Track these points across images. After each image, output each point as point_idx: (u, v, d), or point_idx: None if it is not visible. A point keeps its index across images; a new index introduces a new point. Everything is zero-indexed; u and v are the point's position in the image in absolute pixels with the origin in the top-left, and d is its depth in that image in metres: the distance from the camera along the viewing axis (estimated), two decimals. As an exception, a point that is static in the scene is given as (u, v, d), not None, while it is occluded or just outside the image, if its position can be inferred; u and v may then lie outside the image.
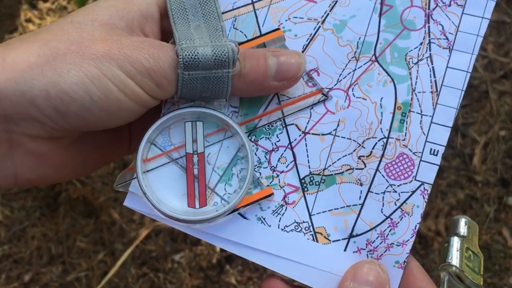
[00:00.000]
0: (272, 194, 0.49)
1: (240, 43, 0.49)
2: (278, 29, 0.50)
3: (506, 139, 1.44)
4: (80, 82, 0.41)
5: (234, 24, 0.50)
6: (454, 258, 0.49)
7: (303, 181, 0.49)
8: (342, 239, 0.49)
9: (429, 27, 0.49)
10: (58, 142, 0.46)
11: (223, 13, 0.50)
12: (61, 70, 0.41)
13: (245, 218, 0.49)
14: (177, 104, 0.48)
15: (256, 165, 0.49)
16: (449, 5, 0.49)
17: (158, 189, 0.48)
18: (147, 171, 0.48)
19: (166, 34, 0.48)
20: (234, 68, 0.45)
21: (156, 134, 0.48)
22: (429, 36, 0.49)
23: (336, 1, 0.50)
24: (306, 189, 0.49)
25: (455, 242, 0.50)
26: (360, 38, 0.50)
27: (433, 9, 0.49)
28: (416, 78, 0.49)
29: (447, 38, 0.49)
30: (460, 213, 1.39)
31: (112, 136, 0.52)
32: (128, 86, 0.43)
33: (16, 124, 0.43)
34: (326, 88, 0.50)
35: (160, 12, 0.48)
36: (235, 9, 0.50)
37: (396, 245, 0.48)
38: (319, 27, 0.50)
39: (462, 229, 0.51)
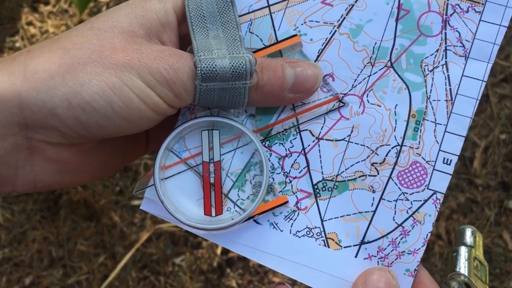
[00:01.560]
0: (287, 201, 0.49)
1: (257, 50, 0.49)
2: (295, 35, 0.49)
3: (506, 142, 1.44)
4: (101, 92, 0.41)
5: (250, 28, 0.50)
6: (463, 267, 0.49)
7: (315, 187, 0.49)
8: (354, 246, 0.49)
9: (445, 33, 0.49)
10: (78, 148, 0.46)
11: (239, 16, 0.49)
12: (82, 80, 0.41)
13: (258, 223, 0.49)
14: (192, 111, 0.48)
15: (270, 170, 0.49)
16: (467, 11, 0.49)
17: (175, 197, 0.48)
18: (165, 178, 0.48)
19: (183, 40, 0.48)
20: (251, 79, 0.45)
21: (173, 142, 0.48)
22: (446, 43, 0.49)
23: (353, 5, 0.50)
24: (318, 195, 0.49)
25: (463, 251, 0.50)
26: (376, 43, 0.49)
27: (451, 15, 0.49)
28: (431, 86, 0.49)
29: (463, 46, 0.49)
30: (461, 217, 1.39)
31: (130, 140, 0.52)
32: (149, 95, 0.43)
33: (36, 131, 0.43)
34: (341, 94, 0.49)
35: (178, 19, 0.47)
36: (251, 12, 0.50)
37: (407, 253, 0.48)
38: (335, 31, 0.50)
39: (469, 238, 0.50)
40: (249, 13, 0.50)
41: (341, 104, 0.49)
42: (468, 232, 0.51)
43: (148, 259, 1.39)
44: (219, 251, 1.38)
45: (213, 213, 0.48)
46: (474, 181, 1.41)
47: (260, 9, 0.50)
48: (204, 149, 0.48)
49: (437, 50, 0.49)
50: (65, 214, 1.41)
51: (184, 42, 0.48)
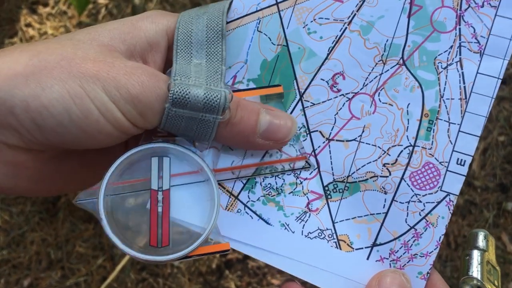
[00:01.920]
0: (228, 250, 0.46)
1: (237, 90, 0.48)
2: (279, 85, 0.48)
3: (505, 144, 1.44)
4: (60, 98, 0.40)
5: (258, 27, 0.49)
6: (476, 271, 0.48)
7: (326, 188, 0.48)
8: (365, 248, 0.48)
9: (460, 29, 0.48)
10: (37, 155, 0.45)
11: (247, 15, 0.49)
12: (45, 84, 0.40)
13: (268, 224, 0.48)
14: (155, 134, 0.47)
15: (280, 172, 0.48)
16: (482, 6, 0.48)
17: (123, 216, 0.46)
18: (112, 194, 0.46)
19: (169, 65, 0.47)
20: (223, 115, 0.44)
21: (128, 161, 0.46)
22: (460, 39, 0.48)
23: (364, 1, 0.48)
24: (329, 196, 0.48)
25: (476, 255, 0.49)
26: (387, 40, 0.48)
27: (465, 10, 0.48)
28: (445, 84, 0.48)
29: (478, 42, 0.48)
30: (459, 219, 1.39)
31: (102, 156, 0.50)
32: (110, 110, 0.41)
33: None
34: (352, 92, 0.48)
35: (168, 42, 0.47)
36: (259, 10, 0.49)
37: (420, 256, 0.47)
38: (345, 28, 0.48)
39: (482, 242, 0.50)
40: (257, 11, 0.49)
41: (307, 166, 0.48)
42: (481, 236, 0.50)
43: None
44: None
45: (159, 244, 0.45)
46: (472, 183, 1.41)
47: (268, 7, 0.49)
48: (153, 176, 0.46)
49: (451, 47, 0.48)
50: (64, 216, 1.41)
51: (169, 67, 0.46)
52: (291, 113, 0.48)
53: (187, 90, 0.42)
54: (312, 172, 0.48)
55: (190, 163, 0.47)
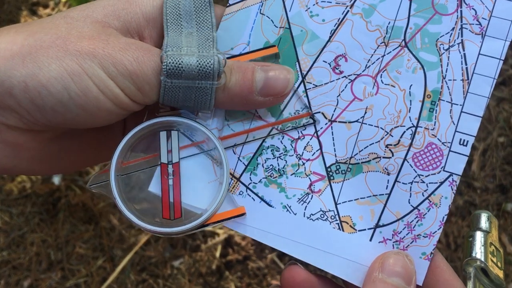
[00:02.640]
0: (244, 213, 0.47)
1: (231, 57, 0.48)
2: (274, 46, 0.48)
3: (504, 145, 1.44)
4: (59, 77, 0.41)
5: (260, 9, 0.49)
6: (479, 252, 0.48)
7: (329, 169, 0.48)
8: (368, 229, 0.48)
9: (461, 11, 0.48)
10: (37, 135, 0.45)
11: None
12: (42, 63, 0.41)
13: (270, 206, 0.48)
14: (159, 111, 0.47)
15: (282, 153, 0.48)
16: None
17: (135, 194, 0.47)
18: (125, 173, 0.47)
19: None
20: (219, 80, 0.44)
21: (134, 140, 0.47)
22: (461, 21, 0.48)
23: None
24: (332, 177, 0.48)
25: (479, 236, 0.49)
26: (389, 22, 0.48)
27: None
28: (447, 65, 0.48)
29: (479, 24, 0.48)
30: (459, 220, 1.39)
31: (103, 136, 0.51)
32: (108, 86, 0.42)
33: None
34: (354, 74, 0.48)
35: None
36: (262, -8, 0.49)
37: (423, 236, 0.47)
38: (348, 11, 0.49)
39: (484, 224, 0.50)
40: None
41: (311, 121, 0.48)
42: (484, 217, 0.50)
43: (147, 262, 1.38)
44: (218, 254, 1.38)
45: (172, 216, 0.46)
46: (472, 184, 1.41)
47: (271, -11, 0.49)
48: (162, 150, 0.46)
49: (453, 29, 0.48)
50: (64, 217, 1.41)
51: None
52: (291, 97, 0.48)
53: (180, 60, 0.42)
54: (314, 153, 0.48)
55: (195, 134, 0.47)
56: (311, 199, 0.48)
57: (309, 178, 0.48)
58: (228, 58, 0.47)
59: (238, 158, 0.48)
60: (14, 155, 0.45)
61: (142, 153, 0.47)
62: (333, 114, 0.48)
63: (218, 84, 0.44)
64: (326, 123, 0.48)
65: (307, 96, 0.48)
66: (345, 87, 0.48)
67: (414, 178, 0.47)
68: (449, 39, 0.48)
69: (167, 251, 1.38)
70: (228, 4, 0.49)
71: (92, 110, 0.42)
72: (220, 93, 0.45)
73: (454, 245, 1.38)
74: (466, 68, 0.48)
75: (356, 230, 0.48)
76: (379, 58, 0.48)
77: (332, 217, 0.48)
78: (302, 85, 0.49)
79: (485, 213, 0.50)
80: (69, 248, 1.40)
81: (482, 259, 0.48)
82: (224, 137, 0.48)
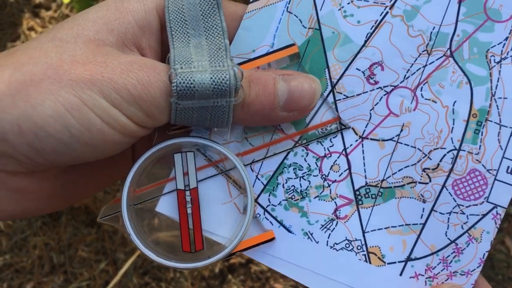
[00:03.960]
0: (273, 238, 0.43)
1: (246, 61, 0.43)
2: (293, 44, 0.43)
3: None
4: (56, 115, 0.36)
5: (288, 7, 0.44)
6: None
7: (357, 193, 0.43)
8: (399, 262, 0.43)
9: None
10: (40, 176, 0.41)
11: None
12: (35, 101, 0.36)
13: (290, 232, 0.43)
14: (169, 129, 0.43)
15: (306, 172, 0.44)
16: None
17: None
18: (137, 203, 0.43)
19: (166, 47, 0.42)
20: (237, 97, 0.39)
21: (146, 164, 0.42)
22: None
23: None
24: (360, 202, 0.43)
25: None
26: (434, 28, 0.43)
27: None
28: (498, 81, 0.43)
29: None
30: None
31: (109, 160, 0.46)
32: (113, 116, 0.37)
33: None
34: (391, 86, 0.43)
35: (161, 21, 0.41)
36: (290, -12, 0.44)
37: (460, 274, 0.43)
38: (387, 12, 0.43)
39: None
40: None
41: (342, 127, 0.44)
42: None
43: (150, 265, 1.38)
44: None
45: (193, 249, 0.42)
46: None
47: (301, -16, 0.44)
48: (178, 174, 0.42)
49: (507, 38, 0.43)
50: (66, 220, 1.40)
51: (167, 49, 0.42)
52: (320, 107, 0.43)
53: (191, 78, 0.38)
54: (342, 173, 0.43)
55: (211, 154, 0.43)
56: (335, 226, 0.43)
57: (335, 202, 0.43)
58: (241, 63, 0.42)
59: (256, 176, 0.43)
60: (20, 200, 0.41)
61: (156, 178, 0.43)
62: (364, 130, 0.43)
63: (236, 101, 0.39)
64: (357, 140, 0.43)
65: (336, 108, 0.43)
66: (379, 100, 0.43)
67: (453, 208, 0.43)
68: (502, 50, 0.43)
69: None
70: (251, 0, 0.43)
71: (97, 144, 0.38)
72: (239, 110, 0.40)
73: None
74: None
75: (385, 262, 0.43)
76: (420, 68, 0.43)
77: (359, 247, 0.43)
78: (331, 95, 0.43)
79: None
80: (72, 251, 1.39)
81: None
82: (242, 153, 0.44)
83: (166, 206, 0.43)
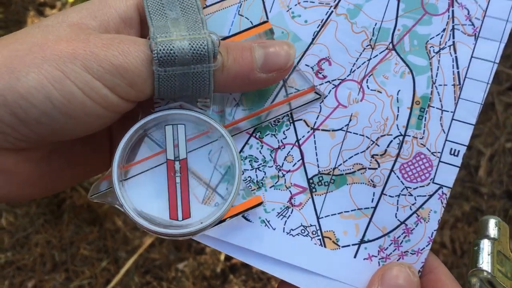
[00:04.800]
0: (261, 202, 0.44)
1: (224, 38, 0.45)
2: (266, 21, 0.46)
3: (512, 151, 1.42)
4: (39, 86, 0.38)
5: (239, 11, 0.46)
6: (485, 262, 0.44)
7: (311, 181, 0.45)
8: (352, 245, 0.45)
9: (453, 11, 0.45)
10: (26, 156, 0.43)
11: None
12: (19, 73, 0.38)
13: (248, 220, 0.45)
14: (154, 106, 0.44)
15: (261, 164, 0.45)
16: None
17: (140, 198, 0.44)
18: (128, 178, 0.44)
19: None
20: (216, 62, 0.41)
21: (132, 140, 0.44)
22: (453, 22, 0.45)
23: None
24: (314, 190, 0.45)
25: (486, 245, 0.45)
26: (376, 24, 0.45)
27: None
28: (437, 69, 0.45)
29: (472, 24, 0.44)
30: (465, 226, 1.37)
31: (89, 148, 0.48)
32: (95, 88, 0.39)
33: None
34: (338, 79, 0.45)
35: (141, 18, 0.44)
36: (240, -8, 0.46)
37: (411, 253, 0.44)
38: (332, 12, 0.46)
39: (492, 230, 0.46)
40: None
41: (317, 96, 0.45)
42: (492, 223, 0.46)
43: (151, 264, 1.38)
44: (222, 257, 1.38)
45: (180, 217, 0.43)
46: (479, 189, 1.40)
47: (251, -11, 0.46)
48: (169, 145, 0.44)
49: (444, 30, 0.45)
50: (68, 218, 1.41)
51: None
52: (273, 101, 0.45)
53: (171, 45, 0.39)
54: (295, 164, 0.45)
55: (198, 125, 0.45)
56: (291, 213, 0.45)
57: (290, 190, 0.45)
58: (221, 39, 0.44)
59: (215, 167, 0.45)
60: (4, 181, 0.42)
61: (143, 154, 0.45)
62: (315, 122, 0.45)
63: (215, 66, 0.41)
64: (309, 131, 0.45)
65: (290, 106, 0.45)
66: (328, 93, 0.46)
67: (401, 191, 0.45)
68: (440, 41, 0.45)
69: (171, 254, 1.38)
70: (205, 6, 0.46)
71: (80, 117, 0.39)
72: (219, 75, 0.42)
73: (460, 251, 1.36)
74: (458, 72, 0.44)
75: (339, 246, 0.45)
76: (365, 62, 0.45)
77: (314, 233, 0.45)
78: (283, 89, 0.46)
79: (494, 218, 0.46)
80: (74, 249, 1.39)
81: (489, 270, 0.44)
82: (227, 125, 0.46)
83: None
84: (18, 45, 0.39)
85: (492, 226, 0.46)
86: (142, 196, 0.44)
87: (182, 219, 0.43)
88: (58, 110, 0.38)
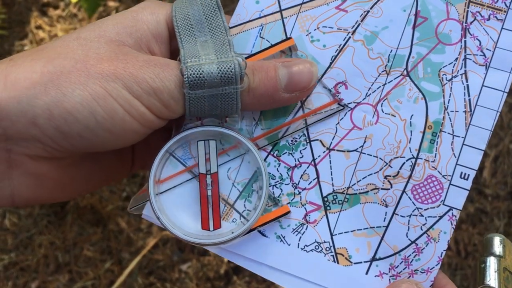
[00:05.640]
0: (289, 212, 0.47)
1: (249, 56, 0.47)
2: (290, 38, 0.48)
3: (516, 152, 1.43)
4: (84, 102, 0.40)
5: (260, 33, 0.48)
6: (493, 279, 0.46)
7: (325, 199, 0.47)
8: (364, 262, 0.47)
9: (465, 41, 0.47)
10: (59, 163, 0.45)
11: (249, 21, 0.48)
12: (65, 89, 0.40)
13: (264, 236, 0.47)
14: (186, 122, 0.47)
15: (278, 181, 0.47)
16: (488, 19, 0.47)
17: (174, 209, 0.46)
18: (160, 192, 0.46)
19: (175, 54, 0.47)
20: (242, 83, 0.43)
21: (166, 156, 0.46)
22: (465, 52, 0.47)
23: (368, 11, 0.47)
24: (328, 207, 0.47)
25: (492, 262, 0.47)
26: (391, 51, 0.47)
27: (471, 22, 0.47)
28: (449, 96, 0.47)
29: (484, 55, 0.46)
30: (470, 227, 1.38)
31: (114, 157, 0.50)
32: (134, 106, 0.41)
33: (16, 143, 0.41)
34: (354, 102, 0.47)
35: (169, 32, 0.46)
36: (262, 17, 0.48)
37: (421, 272, 0.46)
38: (349, 37, 0.48)
39: (498, 248, 0.48)
40: (260, 18, 0.48)
41: (340, 108, 0.47)
42: (497, 241, 0.48)
43: (155, 265, 1.38)
44: (226, 258, 1.36)
45: (211, 227, 0.46)
46: (483, 191, 1.40)
47: (272, 14, 0.48)
48: (201, 160, 0.46)
49: (456, 59, 0.47)
50: (72, 219, 1.41)
51: (175, 57, 0.46)
52: (294, 116, 0.48)
53: (200, 70, 0.42)
54: (311, 182, 0.47)
55: (227, 140, 0.47)
56: (306, 229, 0.47)
57: (305, 208, 0.47)
58: (246, 57, 0.46)
59: (233, 184, 0.47)
60: (37, 185, 0.44)
61: (177, 168, 0.47)
62: (331, 142, 0.47)
63: (242, 88, 0.43)
64: (324, 151, 0.47)
65: (305, 122, 0.47)
66: (344, 115, 0.47)
67: (412, 211, 0.46)
68: (452, 70, 0.47)
69: (175, 255, 1.38)
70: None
71: (118, 132, 0.42)
72: (245, 95, 0.44)
73: (464, 252, 1.37)
74: (469, 100, 0.46)
75: (352, 262, 0.47)
76: (380, 86, 0.47)
77: (327, 249, 0.47)
78: (301, 111, 0.47)
79: (498, 236, 0.48)
80: (77, 250, 1.40)
81: (496, 286, 0.46)
82: (253, 138, 0.48)
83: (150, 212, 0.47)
84: (62, 60, 0.41)
85: (497, 244, 0.48)
86: (175, 209, 0.46)
87: (214, 229, 0.46)
88: (100, 125, 0.41)
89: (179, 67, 0.42)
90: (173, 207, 0.46)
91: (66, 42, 0.43)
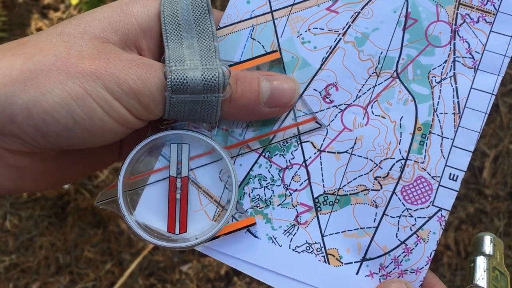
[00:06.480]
0: (254, 223, 0.47)
1: (234, 64, 0.47)
2: (275, 51, 0.48)
3: (516, 152, 1.43)
4: (63, 102, 0.40)
5: (251, 34, 0.48)
6: (481, 279, 0.46)
7: (316, 200, 0.47)
8: (355, 262, 0.47)
9: (454, 44, 0.47)
10: (39, 157, 0.45)
11: (240, 21, 0.48)
12: (44, 88, 0.40)
13: (255, 237, 0.47)
14: (162, 124, 0.47)
15: (269, 182, 0.48)
16: (477, 22, 0.47)
17: (140, 209, 0.47)
18: (130, 190, 0.47)
19: (163, 49, 0.46)
20: (225, 92, 0.43)
21: (140, 154, 0.47)
22: (454, 54, 0.47)
23: (359, 13, 0.48)
24: (319, 209, 0.47)
25: (482, 262, 0.47)
26: (382, 52, 0.48)
27: (460, 25, 0.47)
28: (439, 98, 0.47)
29: (472, 57, 0.47)
30: (469, 227, 1.38)
31: (101, 147, 0.50)
32: (114, 107, 0.41)
33: None
34: (345, 104, 0.48)
35: (161, 26, 0.46)
36: (253, 18, 0.48)
37: (410, 271, 0.47)
38: (340, 39, 0.48)
39: (488, 247, 0.48)
40: (251, 18, 0.48)
41: (318, 126, 0.48)
42: (487, 240, 0.48)
43: (155, 266, 1.38)
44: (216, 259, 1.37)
45: (177, 231, 0.46)
46: (483, 191, 1.41)
47: (263, 14, 0.48)
48: (172, 163, 0.46)
49: (445, 61, 0.47)
50: (73, 220, 1.42)
51: (163, 52, 0.46)
52: (282, 122, 0.48)
53: (184, 75, 0.42)
54: (302, 183, 0.47)
55: (200, 146, 0.47)
56: (297, 230, 0.47)
57: (296, 209, 0.47)
58: (230, 65, 0.46)
59: (225, 186, 0.47)
60: (17, 177, 0.44)
61: (148, 167, 0.47)
62: (322, 144, 0.48)
63: (224, 96, 0.43)
64: (315, 153, 0.48)
65: (298, 130, 0.48)
66: (335, 117, 0.48)
67: (402, 212, 0.47)
68: (441, 72, 0.47)
69: (175, 256, 1.39)
70: (218, 27, 0.48)
71: (97, 132, 0.42)
72: (226, 105, 0.44)
73: (464, 253, 1.37)
74: (458, 102, 0.47)
75: (342, 263, 0.47)
76: (370, 88, 0.48)
77: (318, 250, 0.47)
78: (292, 112, 0.48)
79: (489, 235, 0.48)
80: (78, 252, 1.40)
81: (485, 286, 0.46)
82: (228, 146, 0.48)
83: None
84: (42, 57, 0.40)
85: (487, 243, 0.48)
86: (144, 208, 0.46)
87: (179, 233, 0.46)
88: (78, 125, 0.41)
89: (162, 70, 0.42)
90: (142, 206, 0.47)
91: (49, 37, 0.43)
